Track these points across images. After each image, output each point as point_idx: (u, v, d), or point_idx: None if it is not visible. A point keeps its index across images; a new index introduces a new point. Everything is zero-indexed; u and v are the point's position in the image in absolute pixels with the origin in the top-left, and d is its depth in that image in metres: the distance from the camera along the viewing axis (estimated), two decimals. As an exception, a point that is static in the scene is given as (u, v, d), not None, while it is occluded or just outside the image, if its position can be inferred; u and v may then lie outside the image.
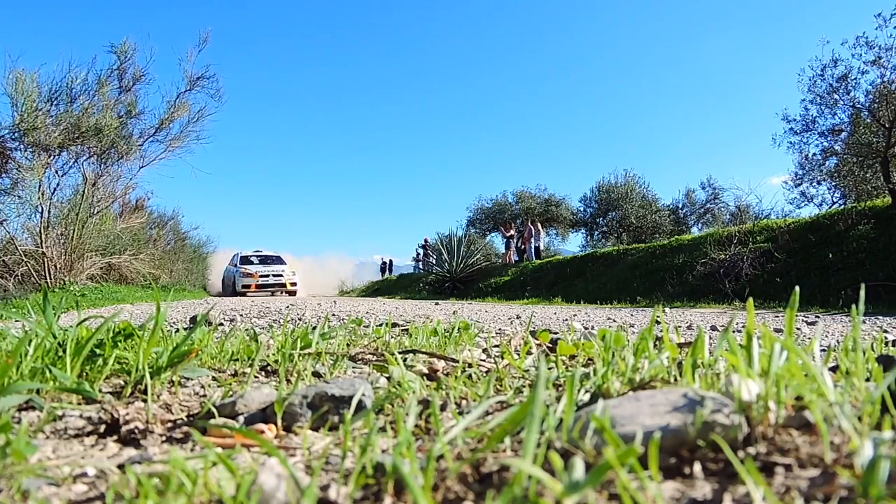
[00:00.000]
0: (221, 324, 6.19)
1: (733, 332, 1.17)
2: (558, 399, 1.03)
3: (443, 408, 1.31)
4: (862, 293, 1.17)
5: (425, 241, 34.29)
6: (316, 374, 1.79)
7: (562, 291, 19.93)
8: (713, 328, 6.03)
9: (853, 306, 1.08)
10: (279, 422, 1.18)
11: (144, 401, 1.37)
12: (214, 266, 35.51)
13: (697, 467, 0.77)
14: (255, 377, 1.81)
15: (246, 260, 29.28)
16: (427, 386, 1.60)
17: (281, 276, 27.41)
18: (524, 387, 1.50)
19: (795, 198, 24.80)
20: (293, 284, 27.37)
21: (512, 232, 30.54)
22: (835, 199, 23.83)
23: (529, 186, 40.32)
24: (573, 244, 39.18)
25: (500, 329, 5.36)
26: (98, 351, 1.54)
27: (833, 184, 23.65)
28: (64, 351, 1.45)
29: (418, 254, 35.68)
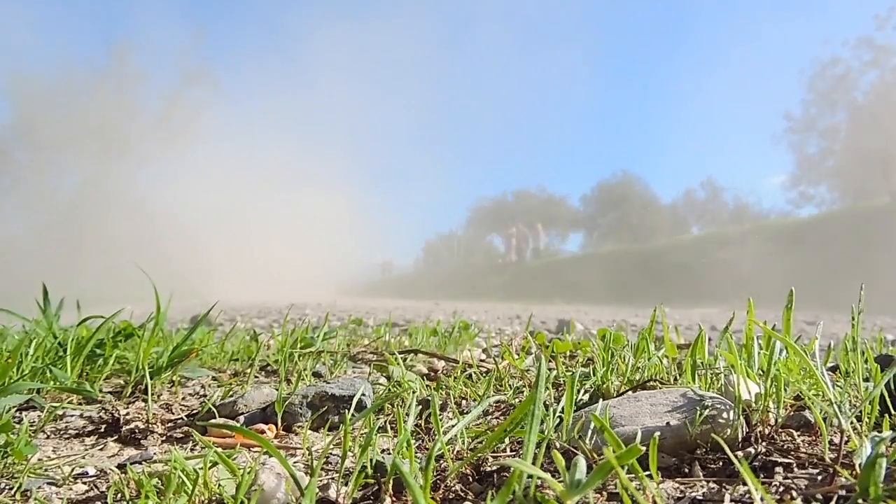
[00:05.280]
0: (221, 324, 6.19)
1: (733, 332, 1.17)
2: (558, 399, 1.03)
3: (443, 407, 1.31)
4: (861, 293, 1.17)
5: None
6: (316, 374, 1.79)
7: (562, 291, 19.94)
8: (713, 328, 6.03)
9: (853, 306, 1.08)
10: (279, 422, 1.19)
11: (145, 400, 1.37)
12: None
13: (697, 467, 0.77)
14: (256, 377, 1.81)
15: None
16: (427, 386, 1.60)
17: None
18: (524, 387, 1.50)
19: (795, 198, 24.85)
20: None
21: (512, 231, 30.55)
22: (834, 199, 23.86)
23: (530, 186, 40.50)
24: (573, 244, 39.26)
25: (499, 329, 5.37)
26: (98, 351, 1.54)
27: (832, 183, 23.67)
28: (64, 351, 1.45)
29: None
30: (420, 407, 1.22)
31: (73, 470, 0.91)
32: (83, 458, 1.01)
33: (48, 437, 1.14)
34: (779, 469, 0.74)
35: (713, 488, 0.72)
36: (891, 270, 12.35)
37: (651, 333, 1.31)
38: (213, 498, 0.74)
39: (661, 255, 20.43)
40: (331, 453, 1.01)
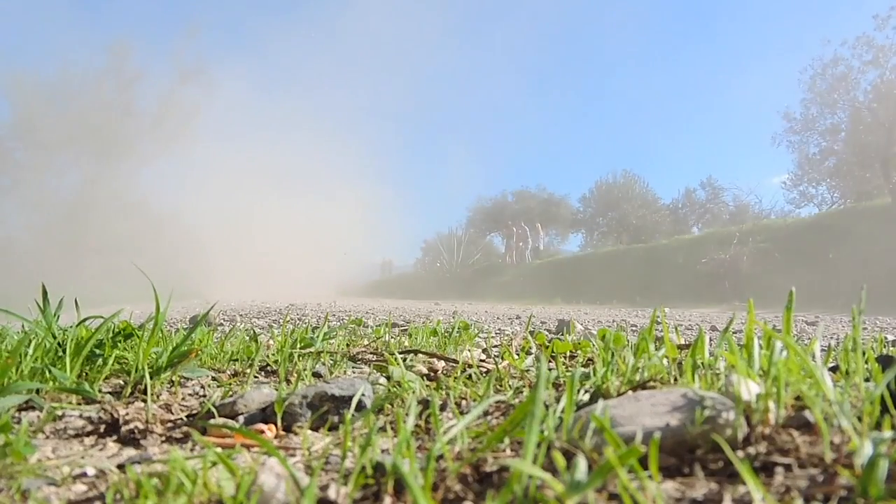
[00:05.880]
0: (221, 324, 6.19)
1: (733, 332, 1.17)
2: (558, 399, 1.03)
3: (443, 408, 1.31)
4: (863, 293, 1.17)
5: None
6: (316, 374, 1.79)
7: (562, 291, 19.93)
8: (713, 328, 6.03)
9: (853, 306, 1.08)
10: (279, 422, 1.18)
11: (144, 401, 1.37)
12: None
13: (697, 467, 0.77)
14: (255, 377, 1.81)
15: None
16: (427, 386, 1.60)
17: None
18: (524, 387, 1.50)
19: (795, 198, 24.86)
20: None
21: (512, 231, 30.51)
22: (834, 199, 23.87)
23: (529, 186, 40.54)
24: (573, 244, 39.25)
25: (499, 329, 5.37)
26: (98, 351, 1.54)
27: (832, 183, 23.67)
28: (64, 351, 1.45)
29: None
30: (420, 407, 1.22)
31: (72, 470, 0.91)
32: (82, 458, 1.01)
33: (47, 438, 1.14)
34: (779, 469, 0.74)
35: (713, 488, 0.72)
36: (891, 270, 12.35)
37: (651, 333, 1.31)
38: (213, 498, 0.74)
39: (661, 255, 20.42)
40: (331, 453, 1.01)
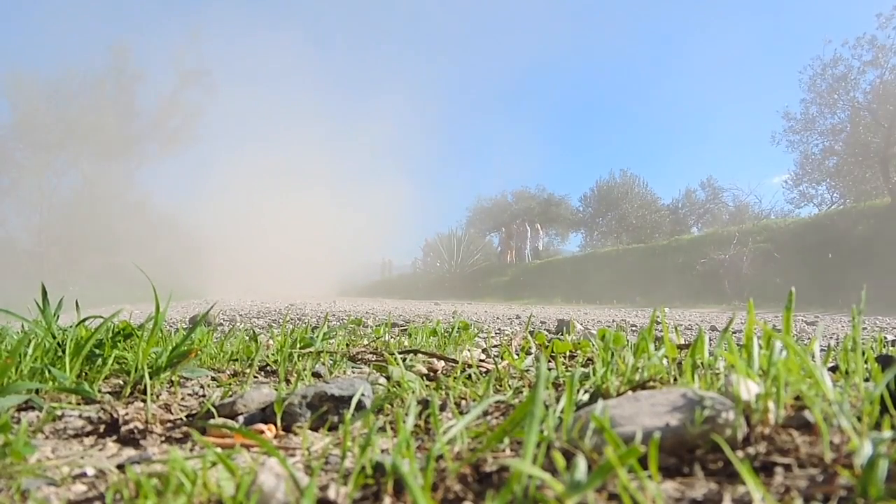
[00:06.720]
0: (221, 324, 6.19)
1: (733, 332, 1.17)
2: (558, 399, 1.03)
3: (442, 408, 1.31)
4: (863, 293, 1.17)
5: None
6: (315, 374, 1.79)
7: (562, 291, 19.92)
8: (713, 328, 6.03)
9: (853, 306, 1.08)
10: (279, 422, 1.18)
11: (144, 401, 1.37)
12: None
13: (697, 467, 0.77)
14: (255, 377, 1.81)
15: None
16: (427, 386, 1.60)
17: None
18: (524, 387, 1.50)
19: (795, 198, 24.88)
20: None
21: (514, 229, 30.47)
22: (834, 199, 23.87)
23: (529, 186, 40.53)
24: (573, 244, 39.23)
25: (499, 329, 5.37)
26: (97, 351, 1.54)
27: (832, 183, 23.67)
28: (63, 351, 1.45)
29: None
30: (419, 407, 1.22)
31: (71, 470, 0.91)
32: (82, 458, 1.01)
33: (47, 438, 1.13)
34: (779, 469, 0.74)
35: (713, 488, 0.72)
36: (891, 270, 12.35)
37: (651, 333, 1.31)
38: (212, 498, 0.74)
39: (661, 255, 20.42)
40: (330, 453, 1.01)
